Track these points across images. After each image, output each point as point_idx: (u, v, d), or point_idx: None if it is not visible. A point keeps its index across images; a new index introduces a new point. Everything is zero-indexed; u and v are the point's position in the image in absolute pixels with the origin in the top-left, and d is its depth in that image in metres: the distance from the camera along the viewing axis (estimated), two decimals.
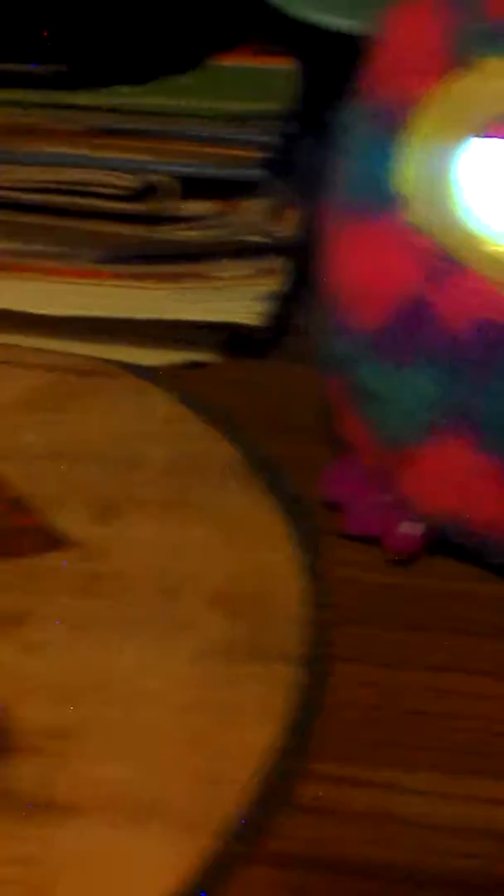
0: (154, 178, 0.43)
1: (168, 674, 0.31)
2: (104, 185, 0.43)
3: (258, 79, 0.45)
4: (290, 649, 0.31)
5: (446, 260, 0.31)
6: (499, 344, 0.30)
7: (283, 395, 0.43)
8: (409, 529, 0.35)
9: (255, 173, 0.43)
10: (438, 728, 0.30)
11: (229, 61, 0.46)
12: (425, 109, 0.31)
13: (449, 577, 0.34)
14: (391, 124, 0.31)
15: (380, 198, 0.31)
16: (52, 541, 0.35)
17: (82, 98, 0.44)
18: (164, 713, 0.29)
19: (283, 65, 0.46)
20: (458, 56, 0.31)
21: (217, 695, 0.30)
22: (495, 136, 0.30)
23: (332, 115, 0.35)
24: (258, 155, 0.43)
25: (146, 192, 0.43)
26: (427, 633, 0.32)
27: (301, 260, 0.45)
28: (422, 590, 0.34)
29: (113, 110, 0.44)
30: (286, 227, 0.44)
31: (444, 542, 0.35)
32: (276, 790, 0.28)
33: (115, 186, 0.43)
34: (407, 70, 0.32)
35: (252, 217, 0.43)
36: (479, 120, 0.30)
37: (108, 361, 0.43)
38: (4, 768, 0.28)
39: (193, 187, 0.43)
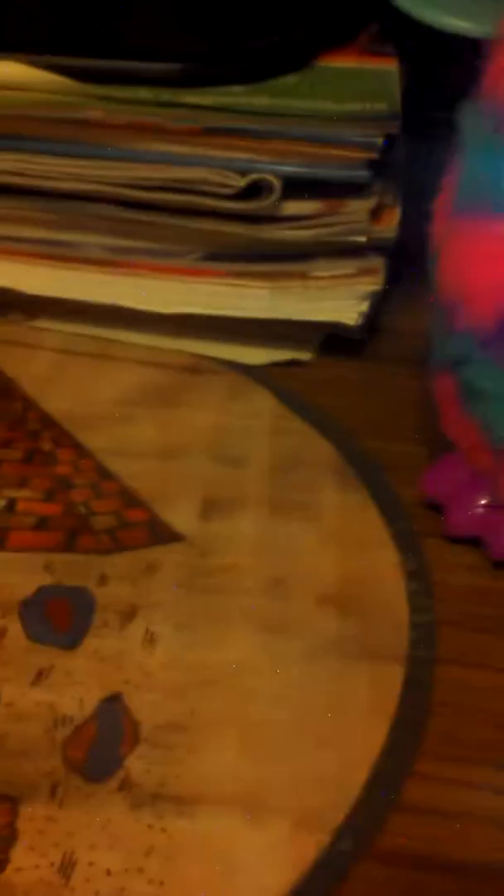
0: (259, 177, 0.43)
1: (279, 670, 0.32)
2: (210, 184, 0.43)
3: (363, 79, 0.45)
4: (398, 650, 0.32)
5: None
6: None
7: (378, 394, 0.44)
8: None
9: (359, 174, 0.43)
10: None
11: (335, 62, 0.47)
12: None
13: None
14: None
15: (496, 199, 0.32)
16: (162, 535, 0.36)
17: (192, 97, 0.44)
18: (278, 710, 0.30)
19: (387, 66, 0.46)
20: None
21: (328, 692, 0.31)
22: None
23: (436, 117, 0.36)
24: (362, 155, 0.43)
25: (251, 191, 0.43)
26: None
27: (396, 260, 0.46)
28: None
29: (221, 110, 0.44)
30: (387, 228, 0.44)
31: None
32: (388, 789, 0.28)
33: (220, 185, 0.43)
34: None
35: (354, 217, 0.44)
36: None
37: (212, 359, 0.44)
38: (126, 760, 0.29)
39: (297, 187, 0.44)
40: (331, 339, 0.45)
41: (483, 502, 0.36)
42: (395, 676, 0.31)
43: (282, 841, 0.27)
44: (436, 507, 0.37)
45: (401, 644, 0.32)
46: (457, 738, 0.30)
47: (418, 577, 0.35)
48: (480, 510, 0.36)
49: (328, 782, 0.28)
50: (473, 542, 0.36)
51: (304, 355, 0.45)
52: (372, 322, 0.45)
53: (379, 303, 0.45)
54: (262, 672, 0.31)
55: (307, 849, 0.27)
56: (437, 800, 0.28)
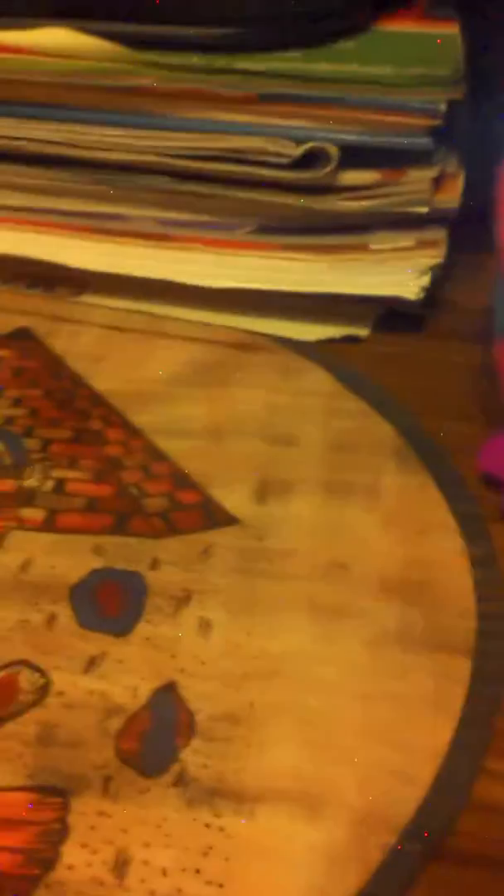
0: (315, 146, 0.41)
1: (341, 660, 0.30)
2: (265, 153, 0.42)
3: (423, 44, 0.43)
4: (464, 641, 0.31)
5: None
6: None
7: (438, 371, 0.42)
8: None
9: (420, 142, 0.41)
10: None
11: (394, 26, 0.45)
12: None
13: None
14: None
15: None
16: (217, 518, 0.35)
17: (245, 63, 0.43)
18: (339, 701, 0.29)
19: (448, 29, 0.44)
20: None
21: (392, 685, 0.29)
22: None
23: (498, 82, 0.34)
24: (423, 122, 0.41)
25: (307, 160, 0.42)
26: None
27: (457, 231, 0.44)
28: None
29: (276, 76, 0.42)
30: (449, 198, 0.43)
31: None
32: (456, 787, 0.27)
33: (275, 154, 0.42)
34: None
35: (415, 187, 0.42)
36: None
37: (264, 335, 0.43)
38: (181, 753, 0.28)
39: (356, 156, 0.42)
40: (388, 314, 0.44)
41: None
42: (462, 669, 0.30)
43: (346, 841, 0.26)
44: (496, 483, 0.36)
45: (468, 635, 0.31)
46: None
47: (486, 563, 0.33)
48: None
49: (393, 780, 0.27)
50: None
51: (361, 331, 0.44)
52: (432, 296, 0.44)
53: (439, 276, 0.44)
54: (321, 662, 0.30)
55: (372, 850, 0.25)
56: None
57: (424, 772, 0.27)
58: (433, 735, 0.28)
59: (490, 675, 0.30)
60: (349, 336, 0.43)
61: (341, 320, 0.44)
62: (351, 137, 0.41)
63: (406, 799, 0.27)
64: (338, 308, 0.43)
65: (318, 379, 0.41)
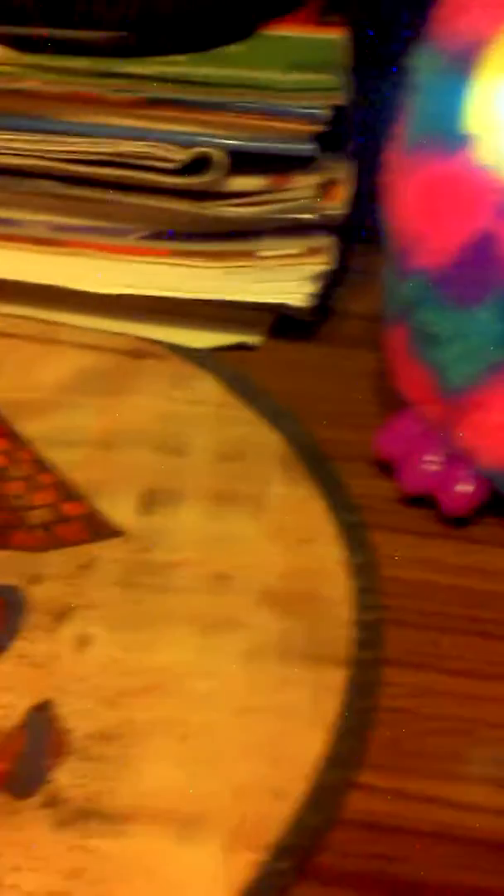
0: (202, 151, 0.41)
1: (220, 674, 0.30)
2: (153, 158, 0.41)
3: (310, 49, 0.44)
4: (343, 652, 0.31)
5: None
6: None
7: (330, 379, 0.42)
8: (467, 486, 0.34)
9: (306, 147, 0.41)
10: (498, 739, 0.29)
11: (283, 30, 0.45)
12: (496, 48, 0.30)
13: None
14: (461, 64, 0.31)
15: (449, 137, 0.31)
16: (100, 530, 0.35)
17: (134, 67, 0.42)
18: (217, 717, 0.29)
19: (336, 34, 0.44)
20: None
21: (271, 698, 0.29)
22: None
23: (384, 85, 0.34)
24: (307, 128, 0.41)
25: (195, 165, 0.41)
26: (486, 639, 0.32)
27: (347, 239, 0.44)
28: (479, 592, 0.33)
29: (164, 80, 0.42)
30: (336, 204, 0.43)
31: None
32: (328, 803, 0.27)
33: (162, 159, 0.41)
34: (477, 8, 0.31)
35: (301, 193, 0.42)
36: None
37: (158, 343, 0.42)
38: (54, 773, 0.27)
39: (243, 162, 0.42)
40: (282, 321, 0.44)
41: (435, 458, 0.35)
42: (338, 680, 0.30)
43: (217, 860, 0.26)
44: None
45: (345, 645, 0.31)
46: (402, 747, 0.28)
47: (365, 572, 0.33)
48: (432, 467, 0.35)
49: (266, 796, 0.27)
50: (425, 534, 0.35)
51: (253, 339, 0.43)
52: (324, 304, 0.44)
53: (331, 284, 0.44)
54: (201, 676, 0.30)
55: (243, 868, 0.25)
56: (382, 814, 0.27)
57: (297, 787, 0.27)
58: (308, 749, 0.28)
59: (364, 687, 0.30)
60: (242, 343, 0.43)
61: (234, 327, 0.43)
62: (236, 143, 0.41)
63: (277, 815, 0.27)
64: (230, 315, 0.43)
65: (209, 387, 0.41)
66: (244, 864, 0.26)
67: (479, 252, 0.31)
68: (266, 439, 0.39)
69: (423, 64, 0.32)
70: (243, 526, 0.35)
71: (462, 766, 0.28)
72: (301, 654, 0.31)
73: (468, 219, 0.31)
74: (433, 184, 0.32)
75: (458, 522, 0.35)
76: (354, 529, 0.35)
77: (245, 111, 0.42)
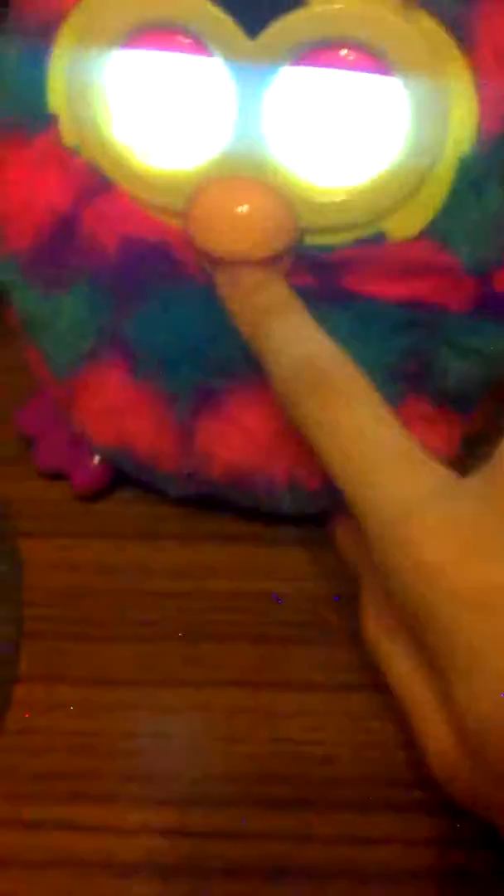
0: None
1: None
2: None
3: None
4: None
5: (97, 179, 0.29)
6: (143, 265, 0.29)
7: None
8: (91, 464, 0.34)
9: None
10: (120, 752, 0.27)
11: None
12: (69, 24, 0.29)
13: (146, 572, 0.32)
14: (39, 42, 0.30)
15: (32, 117, 0.30)
16: None
17: None
18: None
19: None
20: None
21: None
22: (138, 48, 0.28)
23: None
24: None
25: None
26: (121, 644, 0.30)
27: None
28: (129, 592, 0.31)
29: None
30: None
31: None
32: None
33: None
34: None
35: None
36: (121, 32, 0.28)
37: None
38: None
39: None
40: None
41: (64, 437, 0.34)
42: None
43: None
44: (42, 500, 0.35)
45: None
46: (21, 771, 0.27)
47: (5, 583, 0.31)
48: (65, 445, 0.34)
49: None
50: (78, 536, 0.33)
51: None
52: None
53: None
54: None
55: None
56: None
57: None
58: None
59: None
60: None
61: None
62: None
63: None
64: None
65: None
66: None
67: (59, 237, 0.30)
68: None
69: (4, 44, 0.31)
70: None
71: (86, 783, 0.26)
72: None
73: (49, 202, 0.30)
74: (16, 166, 0.30)
75: (112, 522, 0.34)
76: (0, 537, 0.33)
77: None
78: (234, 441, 0.30)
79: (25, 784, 0.26)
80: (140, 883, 0.24)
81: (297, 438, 0.30)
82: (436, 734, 0.23)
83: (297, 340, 0.27)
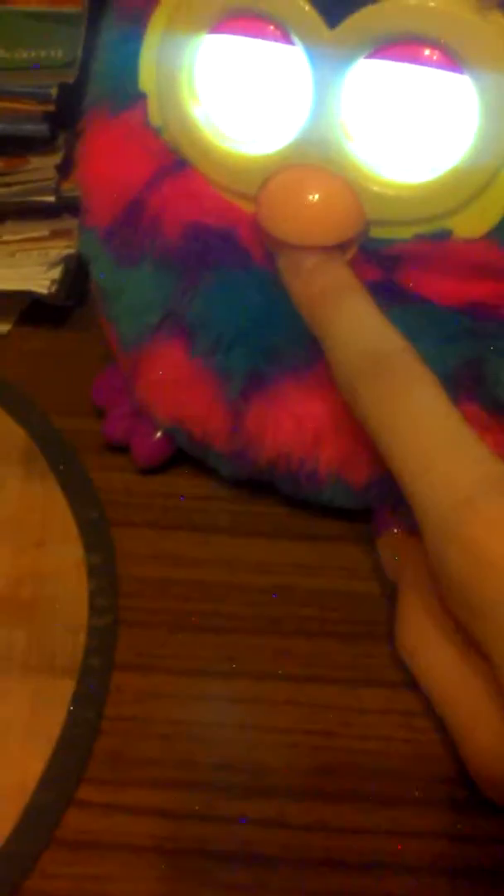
0: None
1: None
2: None
3: (43, 24, 0.41)
4: (71, 661, 0.29)
5: (174, 159, 0.30)
6: (209, 246, 0.30)
7: (79, 368, 0.40)
8: (152, 438, 0.34)
9: (38, 128, 0.39)
10: (216, 742, 0.28)
11: (19, 4, 0.43)
12: (162, 8, 0.30)
13: (235, 567, 0.32)
14: (135, 24, 0.31)
15: (122, 94, 0.31)
16: None
17: None
18: None
19: (72, 8, 0.42)
20: None
21: None
22: (225, 33, 0.29)
23: None
24: (39, 108, 0.39)
25: None
26: (212, 635, 0.31)
27: None
28: (216, 584, 0.32)
29: None
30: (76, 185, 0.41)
31: None
32: (40, 825, 0.26)
33: None
34: None
35: (39, 175, 0.40)
36: (209, 17, 0.29)
37: None
38: None
39: None
40: (37, 306, 0.42)
41: (128, 410, 0.35)
42: (64, 692, 0.29)
43: None
44: (130, 492, 0.35)
45: (74, 653, 0.30)
46: (123, 757, 0.27)
47: (101, 573, 0.32)
48: (126, 417, 0.35)
49: None
50: (165, 528, 0.34)
51: (1, 327, 0.42)
52: (78, 288, 0.42)
53: (84, 268, 0.42)
54: None
55: None
56: (96, 831, 0.26)
57: (9, 810, 0.26)
58: (23, 768, 0.27)
59: (92, 696, 0.29)
60: None
61: None
62: None
63: None
64: None
65: None
66: None
67: (135, 213, 0.31)
68: (7, 433, 0.37)
69: (105, 22, 0.32)
70: None
71: (183, 773, 0.27)
72: (23, 665, 0.29)
73: (128, 179, 0.31)
74: (104, 142, 0.31)
75: (200, 515, 0.34)
76: (93, 526, 0.34)
77: None
78: (282, 426, 0.31)
79: (123, 770, 0.27)
80: (233, 872, 0.25)
81: (345, 431, 0.30)
82: (482, 739, 0.23)
83: (359, 324, 0.27)
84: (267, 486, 0.34)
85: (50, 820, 0.26)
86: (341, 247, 0.29)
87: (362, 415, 0.26)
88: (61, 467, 0.36)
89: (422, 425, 0.24)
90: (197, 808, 0.26)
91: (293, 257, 0.29)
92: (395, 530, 0.31)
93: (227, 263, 0.30)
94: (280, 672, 0.29)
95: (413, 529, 0.31)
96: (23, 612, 0.31)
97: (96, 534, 0.33)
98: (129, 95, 0.30)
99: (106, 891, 0.25)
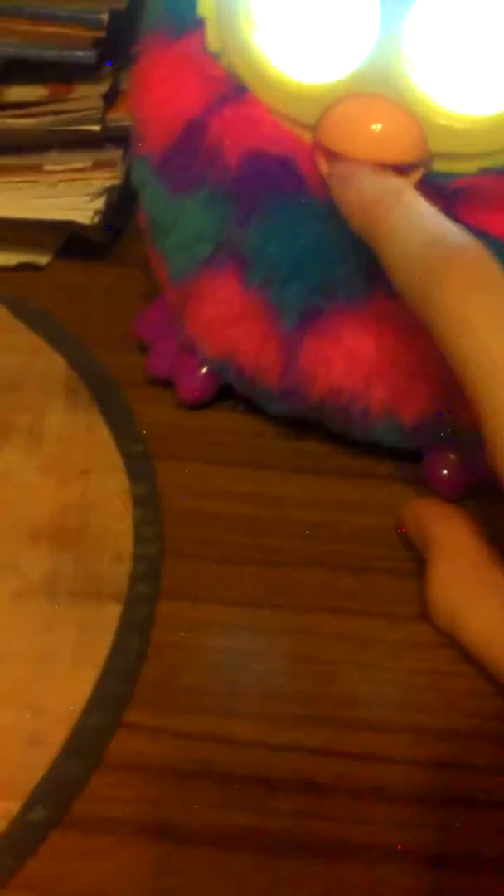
0: None
1: None
2: None
3: None
4: (118, 587, 0.29)
5: (232, 86, 0.29)
6: (266, 176, 0.29)
7: (118, 301, 0.40)
8: (197, 374, 0.34)
9: (86, 55, 0.39)
10: (263, 672, 0.28)
11: None
12: None
13: (279, 502, 0.32)
14: None
15: (181, 19, 0.30)
16: None
17: None
18: None
19: None
20: None
21: (33, 641, 0.28)
22: None
23: None
24: (85, 34, 0.39)
25: None
26: (264, 567, 0.30)
27: None
28: (262, 518, 0.32)
29: None
30: (123, 115, 0.40)
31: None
32: (91, 748, 0.26)
33: None
34: None
35: (85, 104, 0.40)
36: None
37: None
38: None
39: (22, 70, 0.39)
40: (75, 241, 0.42)
41: (174, 345, 0.35)
42: (110, 617, 0.29)
43: None
44: (173, 426, 0.35)
45: (120, 580, 0.30)
46: (170, 683, 0.27)
47: (147, 503, 0.32)
48: (174, 353, 0.35)
49: (23, 744, 0.26)
50: (208, 462, 0.34)
51: (41, 259, 0.41)
52: (116, 221, 0.42)
53: (123, 201, 0.42)
54: None
55: None
56: (147, 755, 0.26)
57: (57, 732, 0.26)
58: (70, 691, 0.27)
59: (137, 623, 0.29)
60: (28, 264, 0.41)
61: (19, 247, 0.41)
62: (10, 50, 0.39)
63: (34, 764, 0.25)
64: (15, 233, 0.41)
65: None
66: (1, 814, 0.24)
67: (191, 141, 0.30)
68: (49, 365, 0.37)
69: None
70: (16, 459, 0.33)
71: (230, 701, 0.27)
72: (70, 592, 0.29)
73: (185, 106, 0.30)
74: (160, 68, 0.31)
75: (246, 451, 0.34)
76: (137, 459, 0.34)
77: (16, 16, 0.39)
78: (335, 363, 0.30)
79: (171, 697, 0.27)
80: (286, 800, 0.25)
81: (399, 369, 0.30)
82: None
83: (420, 224, 0.25)
84: (312, 425, 0.33)
85: (99, 742, 0.26)
86: (401, 171, 0.28)
87: (428, 319, 0.24)
88: (104, 400, 0.35)
89: (497, 331, 0.23)
90: (246, 736, 0.26)
91: (350, 167, 0.28)
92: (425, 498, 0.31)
93: (286, 193, 0.29)
94: (327, 605, 0.29)
95: (461, 480, 0.32)
96: (70, 540, 0.31)
97: (141, 466, 0.33)
98: (187, 21, 0.30)
99: (156, 814, 0.25)
